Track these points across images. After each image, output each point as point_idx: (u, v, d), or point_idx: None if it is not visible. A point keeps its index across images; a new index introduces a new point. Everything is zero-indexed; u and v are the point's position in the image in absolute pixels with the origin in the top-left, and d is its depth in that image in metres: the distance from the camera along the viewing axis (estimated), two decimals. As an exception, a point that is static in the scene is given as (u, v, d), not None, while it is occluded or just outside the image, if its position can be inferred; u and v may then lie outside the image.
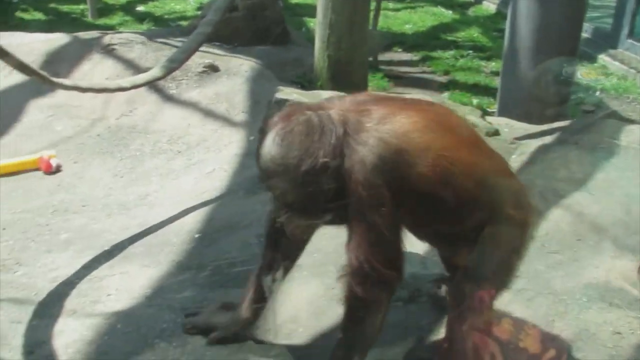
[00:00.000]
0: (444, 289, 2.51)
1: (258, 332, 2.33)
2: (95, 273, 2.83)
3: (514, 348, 2.27)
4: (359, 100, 2.08)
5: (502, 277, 2.14)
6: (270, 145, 1.95)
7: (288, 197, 1.99)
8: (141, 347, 2.30)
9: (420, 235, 2.23)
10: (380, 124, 1.95)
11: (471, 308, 2.06)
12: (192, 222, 3.29)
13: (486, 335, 2.10)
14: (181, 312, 2.46)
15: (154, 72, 3.33)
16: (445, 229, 2.14)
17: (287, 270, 2.31)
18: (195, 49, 3.60)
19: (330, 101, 2.12)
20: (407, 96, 3.42)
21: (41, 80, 2.76)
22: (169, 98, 4.72)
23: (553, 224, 3.06)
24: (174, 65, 3.42)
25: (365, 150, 1.92)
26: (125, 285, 2.73)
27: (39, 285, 2.76)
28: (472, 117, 3.84)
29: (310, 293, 2.59)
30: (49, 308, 2.58)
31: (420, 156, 1.94)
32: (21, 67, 2.60)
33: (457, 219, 2.07)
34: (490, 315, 2.12)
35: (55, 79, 2.89)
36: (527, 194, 2.25)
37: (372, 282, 1.94)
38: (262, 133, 2.03)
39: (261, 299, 2.29)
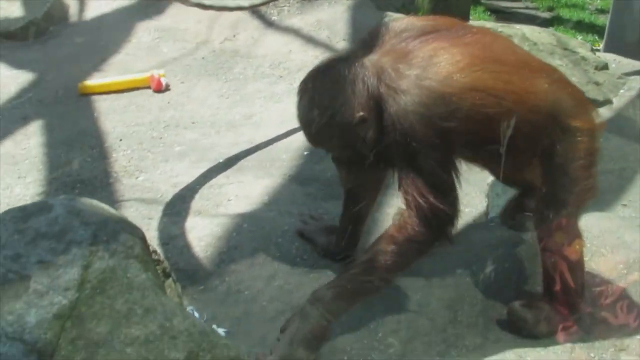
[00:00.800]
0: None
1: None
2: (213, 181, 3.00)
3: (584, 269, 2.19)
4: (401, 36, 1.98)
5: (582, 194, 2.05)
6: (306, 107, 1.97)
7: (335, 153, 2.06)
8: (266, 245, 2.47)
9: (480, 166, 2.22)
10: (420, 68, 1.87)
11: (556, 233, 2.02)
12: (300, 141, 3.36)
13: (555, 254, 2.05)
14: (299, 218, 2.62)
15: (269, -7, 3.40)
16: (508, 160, 2.06)
17: (366, 214, 2.39)
18: (306, -28, 3.62)
19: (369, 42, 2.03)
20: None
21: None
22: (270, 24, 4.77)
23: (663, 157, 3.04)
24: (287, -14, 3.47)
25: (406, 99, 1.85)
26: (243, 193, 2.89)
27: (162, 189, 2.96)
28: (582, 50, 3.76)
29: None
30: (176, 208, 2.78)
31: (467, 98, 1.86)
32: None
33: (517, 148, 1.99)
34: (570, 237, 2.05)
35: (182, -5, 3.01)
36: (586, 100, 2.15)
37: (431, 220, 1.89)
38: (298, 95, 2.02)
39: (350, 238, 2.39)
